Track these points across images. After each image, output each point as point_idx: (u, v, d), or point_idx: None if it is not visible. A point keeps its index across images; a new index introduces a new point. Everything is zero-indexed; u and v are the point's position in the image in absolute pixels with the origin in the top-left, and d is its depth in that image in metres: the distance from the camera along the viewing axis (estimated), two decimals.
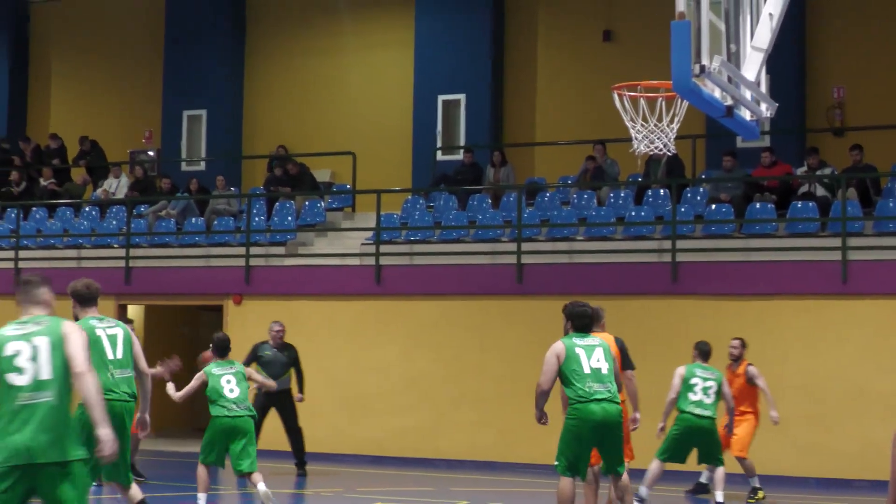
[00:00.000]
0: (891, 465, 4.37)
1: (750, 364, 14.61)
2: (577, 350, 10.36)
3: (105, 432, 6.54)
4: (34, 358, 6.54)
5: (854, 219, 17.85)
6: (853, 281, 16.93)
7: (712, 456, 13.46)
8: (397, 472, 17.76)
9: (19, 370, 6.47)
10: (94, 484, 9.51)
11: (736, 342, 14.75)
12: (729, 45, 8.31)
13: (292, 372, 16.61)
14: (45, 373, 6.50)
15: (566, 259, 18.88)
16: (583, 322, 10.69)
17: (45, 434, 6.37)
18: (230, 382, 12.80)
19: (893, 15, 21.27)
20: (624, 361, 11.80)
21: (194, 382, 12.79)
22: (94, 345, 9.17)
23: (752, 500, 14.43)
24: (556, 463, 10.43)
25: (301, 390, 16.59)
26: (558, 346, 10.44)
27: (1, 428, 6.37)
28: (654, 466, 13.15)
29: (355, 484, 16.17)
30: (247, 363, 16.48)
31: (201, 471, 12.69)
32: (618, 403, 10.46)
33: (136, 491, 9.89)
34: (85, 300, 9.70)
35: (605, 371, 10.43)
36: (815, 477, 16.45)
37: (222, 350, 13.07)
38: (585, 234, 19.62)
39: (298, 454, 16.62)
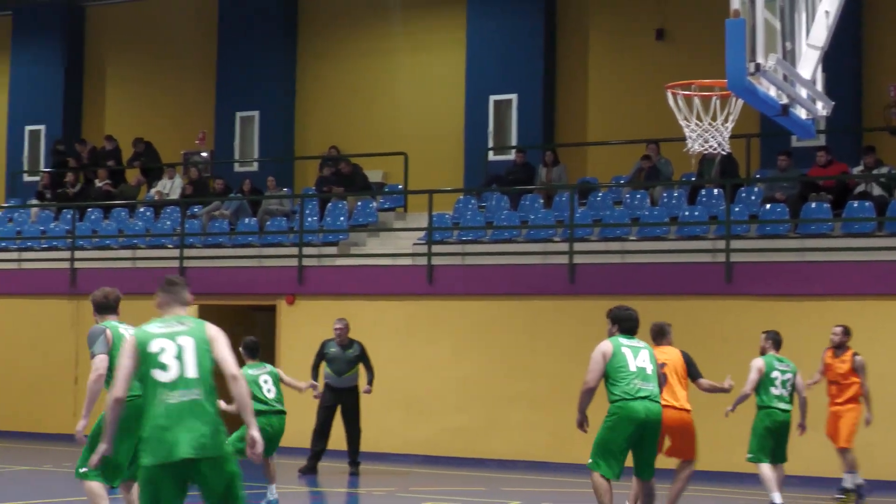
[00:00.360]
0: None
1: (857, 354, 14.31)
2: (624, 349, 10.46)
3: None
4: (179, 356, 6.77)
5: None
6: None
7: (784, 453, 13.19)
8: (449, 471, 17.78)
9: (164, 367, 6.69)
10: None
11: (838, 329, 14.51)
12: (784, 43, 8.25)
13: (361, 369, 16.69)
14: (192, 371, 6.72)
15: (618, 259, 18.82)
16: (628, 325, 10.76)
17: (198, 431, 6.58)
18: (267, 383, 13.07)
19: None
20: (692, 371, 12.01)
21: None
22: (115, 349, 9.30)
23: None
24: (589, 460, 10.48)
25: (369, 382, 16.64)
26: (605, 345, 10.52)
27: (155, 426, 6.57)
28: (764, 471, 12.86)
29: (407, 484, 16.21)
30: (315, 361, 16.64)
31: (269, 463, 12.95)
32: (659, 404, 10.50)
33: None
34: (103, 309, 9.79)
35: (649, 371, 10.49)
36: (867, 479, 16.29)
37: (254, 352, 13.32)
38: (638, 234, 19.55)
39: (353, 453, 16.66)
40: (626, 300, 17.77)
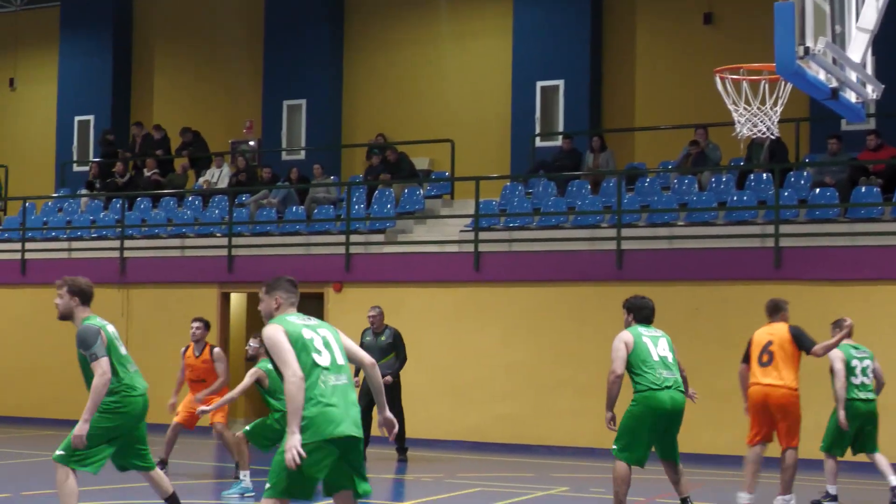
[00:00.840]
0: None
1: None
2: (644, 339, 10.59)
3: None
4: (326, 346, 7.26)
5: None
6: None
7: (873, 443, 12.74)
8: (497, 458, 17.80)
9: (319, 353, 7.06)
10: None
11: None
12: (834, 27, 8.19)
13: (394, 357, 16.68)
14: (340, 359, 7.27)
15: (666, 245, 18.76)
16: (645, 314, 10.92)
17: (354, 412, 7.05)
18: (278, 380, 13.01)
19: None
20: (803, 343, 11.80)
21: (248, 380, 12.95)
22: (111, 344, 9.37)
23: None
24: (613, 447, 10.55)
25: (393, 374, 16.33)
26: (626, 335, 10.64)
27: (322, 404, 6.84)
28: (829, 464, 12.58)
29: (456, 469, 16.21)
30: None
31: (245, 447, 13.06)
32: (682, 392, 10.56)
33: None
34: (89, 299, 9.69)
35: (670, 360, 10.59)
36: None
37: None
38: (686, 219, 19.48)
39: (399, 440, 16.67)
40: (673, 286, 17.84)
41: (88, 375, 9.15)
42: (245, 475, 12.86)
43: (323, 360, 7.09)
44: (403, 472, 15.97)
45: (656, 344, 10.60)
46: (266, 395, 13.00)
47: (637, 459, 10.46)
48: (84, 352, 9.14)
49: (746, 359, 12.09)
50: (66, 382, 22.10)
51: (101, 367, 9.05)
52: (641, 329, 10.72)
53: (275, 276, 7.71)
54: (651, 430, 10.42)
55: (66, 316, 9.37)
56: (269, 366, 13.02)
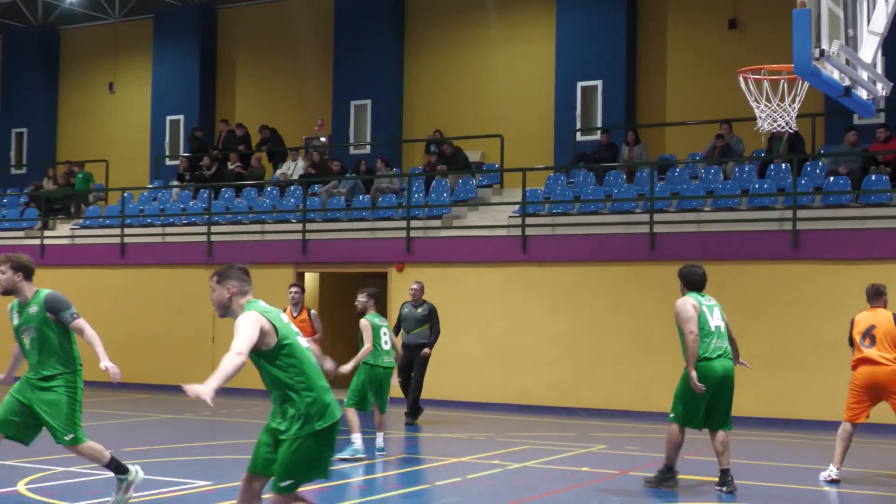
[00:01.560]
0: None
1: None
2: (704, 308, 10.28)
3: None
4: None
5: None
6: None
7: None
8: (543, 419, 17.80)
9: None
10: None
11: None
12: (847, 30, 8.12)
13: (429, 328, 16.61)
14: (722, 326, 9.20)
15: (694, 228, 18.64)
16: (695, 281, 10.51)
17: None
18: (385, 335, 12.88)
19: None
20: None
21: (367, 333, 12.69)
22: None
23: None
24: (671, 414, 10.39)
25: (429, 346, 16.47)
26: (691, 300, 10.29)
27: (327, 388, 6.43)
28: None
29: (505, 430, 16.23)
30: (395, 324, 16.54)
31: (351, 414, 12.47)
32: (732, 360, 10.34)
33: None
34: (31, 274, 8.84)
35: (724, 329, 10.33)
36: None
37: (377, 302, 13.17)
38: (712, 205, 19.36)
39: (414, 400, 16.62)
40: (701, 265, 17.69)
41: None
42: (357, 437, 12.37)
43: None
44: (457, 431, 15.98)
45: (712, 313, 10.33)
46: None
47: (692, 424, 10.31)
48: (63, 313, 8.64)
49: (851, 341, 11.39)
50: (159, 351, 22.42)
51: (81, 323, 8.68)
52: (700, 298, 10.39)
53: (226, 265, 6.74)
54: (704, 397, 10.15)
55: (9, 291, 8.66)
56: (376, 319, 12.92)
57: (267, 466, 6.34)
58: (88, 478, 10.85)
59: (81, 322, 8.71)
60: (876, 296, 11.46)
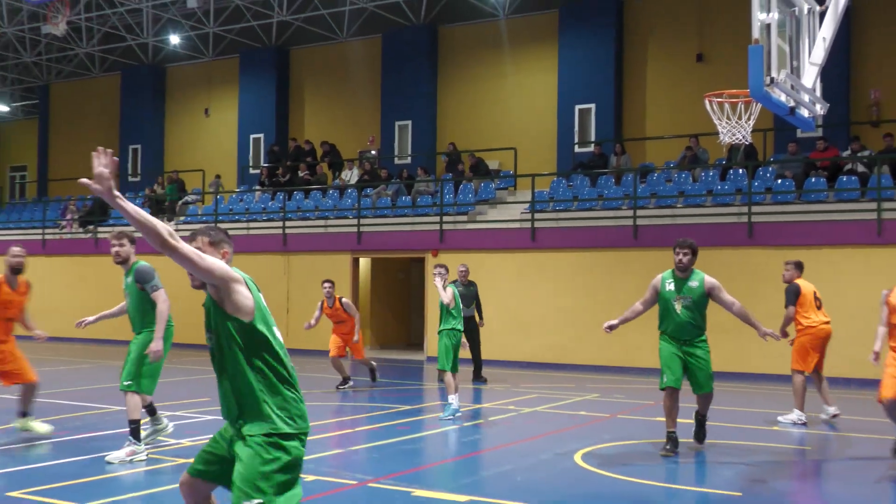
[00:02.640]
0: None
1: None
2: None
3: None
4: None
5: (887, 188, 17.14)
6: (886, 234, 16.35)
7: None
8: (549, 374, 17.78)
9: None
10: None
11: None
12: (792, 62, 8.07)
13: (475, 304, 16.37)
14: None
15: (669, 221, 18.55)
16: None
17: None
18: (460, 303, 12.03)
19: None
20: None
21: (451, 298, 11.71)
22: None
23: None
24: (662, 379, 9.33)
25: (480, 318, 16.26)
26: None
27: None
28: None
29: (519, 381, 16.24)
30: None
31: (449, 377, 11.56)
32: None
33: None
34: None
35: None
36: (856, 378, 15.85)
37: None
38: (684, 203, 19.30)
39: (478, 366, 16.38)
40: (669, 251, 17.60)
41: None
42: (454, 398, 11.46)
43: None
44: (482, 383, 15.99)
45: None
46: (446, 312, 11.72)
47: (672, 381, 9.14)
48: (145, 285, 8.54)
49: (795, 303, 11.22)
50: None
51: (163, 295, 8.60)
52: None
53: (208, 226, 4.93)
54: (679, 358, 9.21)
55: (125, 261, 8.59)
56: (458, 289, 12.19)
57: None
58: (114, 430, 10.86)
59: (158, 294, 8.59)
60: (802, 268, 11.62)
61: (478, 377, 16.31)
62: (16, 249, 9.68)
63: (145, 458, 8.46)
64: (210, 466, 4.53)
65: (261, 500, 4.09)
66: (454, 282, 16.40)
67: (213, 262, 4.43)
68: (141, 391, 8.56)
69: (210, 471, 4.54)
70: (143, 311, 8.66)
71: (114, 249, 8.61)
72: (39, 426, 9.66)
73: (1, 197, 35.98)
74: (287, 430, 4.26)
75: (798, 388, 11.26)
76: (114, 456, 8.38)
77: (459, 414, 11.61)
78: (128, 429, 8.54)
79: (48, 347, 16.86)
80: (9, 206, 32.54)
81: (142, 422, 8.62)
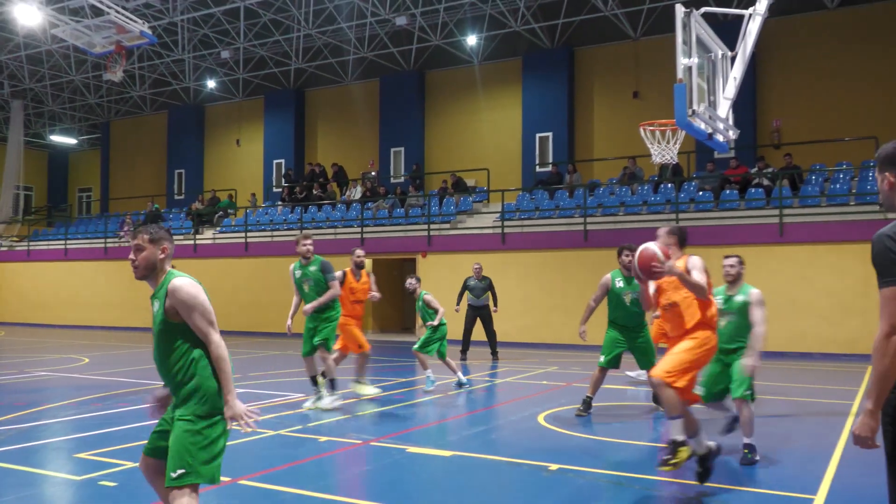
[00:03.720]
0: (879, 369, 3.06)
1: None
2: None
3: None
4: None
5: (786, 197, 17.23)
6: (786, 234, 16.37)
7: None
8: (516, 351, 17.74)
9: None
10: None
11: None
12: (709, 97, 8.06)
13: (489, 294, 15.84)
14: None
15: (612, 227, 18.56)
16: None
17: None
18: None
19: (810, 77, 20.54)
20: None
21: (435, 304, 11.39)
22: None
23: None
24: (598, 357, 9.20)
25: (495, 304, 15.72)
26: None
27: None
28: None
29: (491, 358, 16.12)
30: (461, 291, 15.81)
31: (423, 357, 11.24)
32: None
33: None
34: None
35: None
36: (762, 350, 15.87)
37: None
38: (625, 211, 19.30)
39: (493, 346, 15.89)
40: (614, 251, 17.63)
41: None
42: (429, 372, 11.15)
43: None
44: (455, 358, 15.88)
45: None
46: (425, 314, 11.30)
47: (604, 363, 9.08)
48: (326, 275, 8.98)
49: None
50: (270, 311, 22.45)
51: (337, 287, 9.04)
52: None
53: (148, 225, 4.02)
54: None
55: (308, 255, 9.15)
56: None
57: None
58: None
59: (334, 285, 9.02)
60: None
61: (494, 355, 15.73)
62: (359, 251, 10.00)
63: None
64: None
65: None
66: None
67: (214, 321, 3.90)
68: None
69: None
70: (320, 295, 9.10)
71: (304, 247, 9.06)
72: (368, 388, 9.87)
73: (71, 213, 35.77)
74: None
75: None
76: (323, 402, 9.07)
77: (470, 386, 11.52)
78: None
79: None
80: (77, 220, 32.30)
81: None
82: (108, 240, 27.00)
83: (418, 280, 11.92)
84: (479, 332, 16.37)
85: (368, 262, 22.66)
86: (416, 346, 11.40)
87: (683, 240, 6.68)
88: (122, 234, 27.24)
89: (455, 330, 16.63)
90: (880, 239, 3.09)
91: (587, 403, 9.20)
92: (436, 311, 11.33)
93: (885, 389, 3.06)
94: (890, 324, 3.00)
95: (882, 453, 3.20)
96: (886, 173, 3.21)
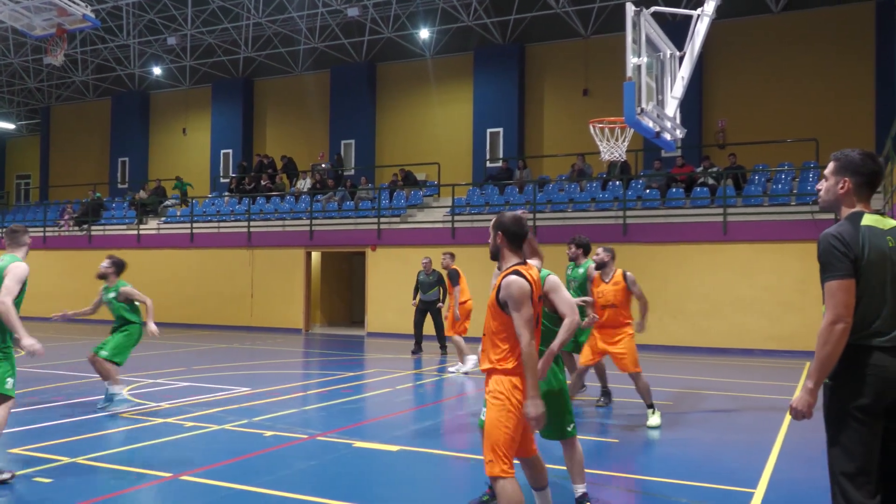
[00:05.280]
0: (821, 353, 3.38)
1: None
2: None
3: None
4: None
5: (730, 196, 17.52)
6: (730, 233, 16.67)
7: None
8: (468, 345, 17.71)
9: None
10: None
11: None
12: (658, 95, 8.13)
13: (439, 289, 15.51)
14: None
15: (561, 223, 18.69)
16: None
17: None
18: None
19: (754, 79, 20.94)
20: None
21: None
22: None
23: None
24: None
25: (441, 300, 15.43)
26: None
27: None
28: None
29: (451, 349, 16.01)
30: (415, 286, 15.52)
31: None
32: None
33: None
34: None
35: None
36: (706, 347, 16.22)
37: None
38: (573, 208, 19.43)
39: (441, 340, 15.74)
40: (563, 246, 17.75)
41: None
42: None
43: None
44: (428, 352, 15.85)
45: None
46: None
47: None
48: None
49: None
50: (215, 303, 22.08)
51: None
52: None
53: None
54: None
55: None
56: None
57: None
58: (169, 387, 10.61)
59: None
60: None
61: (442, 349, 15.67)
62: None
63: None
64: None
65: None
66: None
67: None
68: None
69: None
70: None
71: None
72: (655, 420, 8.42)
73: (9, 200, 34.69)
74: None
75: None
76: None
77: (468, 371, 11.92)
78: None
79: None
80: (15, 208, 31.31)
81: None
82: (48, 228, 26.24)
83: (452, 256, 12.34)
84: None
85: (317, 255, 22.51)
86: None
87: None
88: (61, 222, 26.52)
89: (407, 326, 16.54)
90: (825, 238, 3.46)
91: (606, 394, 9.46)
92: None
93: (824, 372, 3.41)
94: (835, 314, 3.35)
95: (818, 448, 3.67)
96: (846, 178, 3.55)
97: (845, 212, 3.56)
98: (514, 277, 4.12)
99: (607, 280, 8.65)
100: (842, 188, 3.56)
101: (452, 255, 13.72)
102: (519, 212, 4.35)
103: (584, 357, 8.70)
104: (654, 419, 8.30)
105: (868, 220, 3.49)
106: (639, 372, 8.34)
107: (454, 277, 13.70)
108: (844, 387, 3.40)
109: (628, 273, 8.72)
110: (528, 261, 4.54)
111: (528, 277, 4.15)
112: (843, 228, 3.46)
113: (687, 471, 6.49)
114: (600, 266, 8.70)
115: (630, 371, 8.36)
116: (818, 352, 3.39)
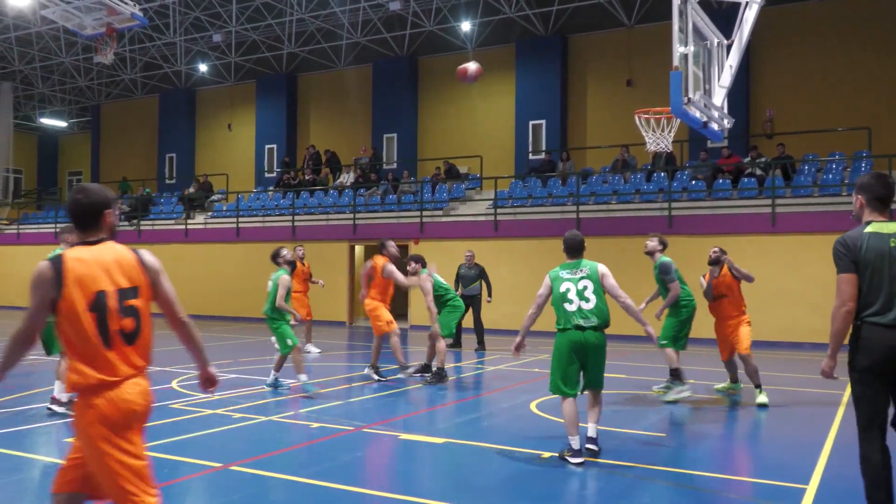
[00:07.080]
0: (832, 329, 4.37)
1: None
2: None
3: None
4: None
5: (779, 188, 17.23)
6: (778, 224, 16.40)
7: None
8: (506, 338, 17.72)
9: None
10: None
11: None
12: (705, 85, 8.02)
13: (482, 283, 15.56)
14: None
15: (605, 215, 18.54)
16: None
17: None
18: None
19: (804, 67, 20.51)
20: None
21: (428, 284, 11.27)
22: None
23: None
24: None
25: (489, 294, 15.52)
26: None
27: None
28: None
29: (488, 343, 16.09)
30: (455, 279, 15.49)
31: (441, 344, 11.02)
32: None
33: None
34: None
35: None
36: (753, 340, 15.94)
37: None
38: (617, 200, 19.28)
39: (480, 336, 15.61)
40: (610, 238, 17.59)
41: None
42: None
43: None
44: (466, 345, 15.85)
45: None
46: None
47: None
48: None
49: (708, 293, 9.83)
50: (255, 297, 22.38)
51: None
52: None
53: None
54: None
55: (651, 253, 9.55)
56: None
57: None
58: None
59: (674, 285, 9.32)
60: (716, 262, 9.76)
61: (480, 345, 15.43)
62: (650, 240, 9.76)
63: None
64: None
65: None
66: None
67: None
68: (675, 348, 9.45)
69: None
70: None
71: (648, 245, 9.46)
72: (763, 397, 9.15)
73: (61, 196, 35.53)
74: None
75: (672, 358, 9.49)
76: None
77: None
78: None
79: None
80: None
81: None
82: None
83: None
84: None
85: (360, 248, 22.63)
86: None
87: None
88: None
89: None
90: (835, 242, 4.47)
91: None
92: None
93: (838, 344, 4.41)
94: (840, 299, 4.35)
95: None
96: (859, 196, 4.52)
97: (864, 221, 4.48)
98: None
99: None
100: (858, 204, 4.53)
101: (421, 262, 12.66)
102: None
103: (742, 346, 9.37)
104: (762, 397, 9.17)
105: (873, 227, 4.38)
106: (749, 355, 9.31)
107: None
108: (851, 354, 4.37)
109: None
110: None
111: None
112: (850, 234, 4.42)
113: (736, 466, 6.38)
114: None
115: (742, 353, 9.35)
116: (831, 328, 4.35)
